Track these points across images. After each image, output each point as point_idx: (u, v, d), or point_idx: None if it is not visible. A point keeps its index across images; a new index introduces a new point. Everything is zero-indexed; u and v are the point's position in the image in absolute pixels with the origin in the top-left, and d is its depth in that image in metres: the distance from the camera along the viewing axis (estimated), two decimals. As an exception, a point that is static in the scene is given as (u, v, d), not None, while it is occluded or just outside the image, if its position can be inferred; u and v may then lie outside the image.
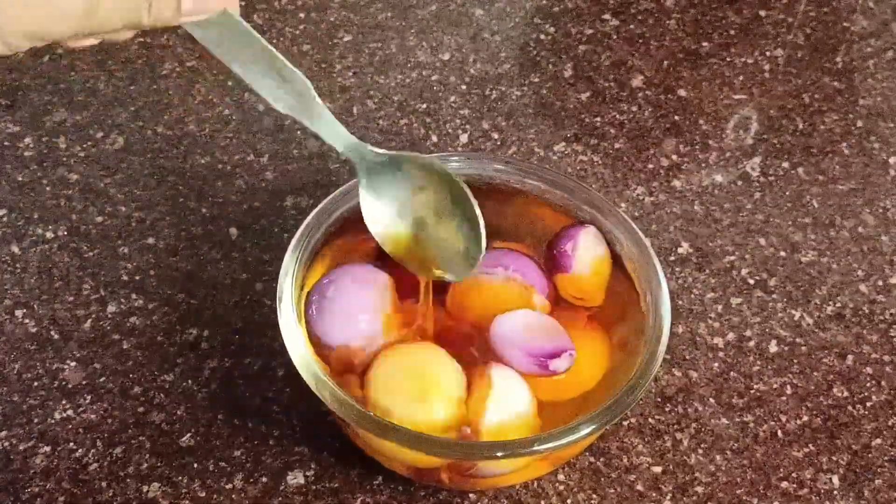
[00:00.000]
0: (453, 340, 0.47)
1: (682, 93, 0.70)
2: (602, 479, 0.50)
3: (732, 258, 0.60)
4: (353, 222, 0.51)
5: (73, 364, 0.53)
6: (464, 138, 0.65)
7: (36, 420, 0.51)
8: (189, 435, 0.51)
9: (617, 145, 0.66)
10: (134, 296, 0.56)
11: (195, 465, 0.50)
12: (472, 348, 0.48)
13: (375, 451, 0.46)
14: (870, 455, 0.52)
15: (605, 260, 0.50)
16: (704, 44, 0.73)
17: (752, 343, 0.56)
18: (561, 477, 0.50)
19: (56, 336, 0.55)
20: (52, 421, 0.51)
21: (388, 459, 0.46)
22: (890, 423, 0.53)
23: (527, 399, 0.45)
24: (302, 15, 0.73)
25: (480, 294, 0.48)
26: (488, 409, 0.44)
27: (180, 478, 0.50)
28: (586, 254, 0.49)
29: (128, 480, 0.49)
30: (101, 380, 0.53)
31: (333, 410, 0.43)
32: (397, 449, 0.43)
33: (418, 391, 0.44)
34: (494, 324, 0.47)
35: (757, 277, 0.59)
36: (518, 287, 0.48)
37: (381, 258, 0.50)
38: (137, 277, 0.57)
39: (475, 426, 0.44)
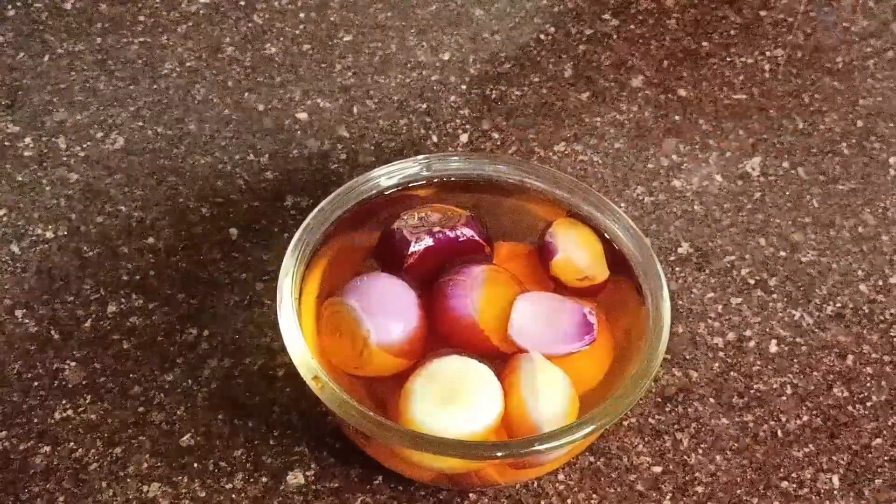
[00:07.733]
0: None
1: (682, 93, 0.70)
2: (602, 479, 0.50)
3: (732, 258, 0.60)
4: (353, 222, 0.51)
5: (73, 364, 0.53)
6: (464, 138, 0.65)
7: (36, 420, 0.51)
8: (189, 435, 0.51)
9: (617, 145, 0.66)
10: (134, 296, 0.56)
11: (195, 465, 0.50)
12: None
13: (398, 460, 0.46)
14: (870, 455, 0.52)
15: (589, 234, 0.51)
16: (704, 44, 0.73)
17: (752, 343, 0.56)
18: (561, 477, 0.50)
19: (56, 336, 0.55)
20: (52, 421, 0.51)
21: (410, 467, 0.46)
22: (890, 423, 0.53)
23: (567, 381, 0.46)
24: (302, 15, 0.73)
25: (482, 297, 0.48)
26: (541, 399, 0.44)
27: (180, 478, 0.50)
28: (567, 234, 0.50)
29: (128, 480, 0.49)
30: (101, 380, 0.53)
31: (333, 411, 0.43)
32: (416, 454, 0.43)
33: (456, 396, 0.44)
34: (512, 319, 0.47)
35: (757, 277, 0.59)
36: (502, 275, 0.48)
37: (379, 258, 0.50)
38: (137, 277, 0.57)
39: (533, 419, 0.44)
